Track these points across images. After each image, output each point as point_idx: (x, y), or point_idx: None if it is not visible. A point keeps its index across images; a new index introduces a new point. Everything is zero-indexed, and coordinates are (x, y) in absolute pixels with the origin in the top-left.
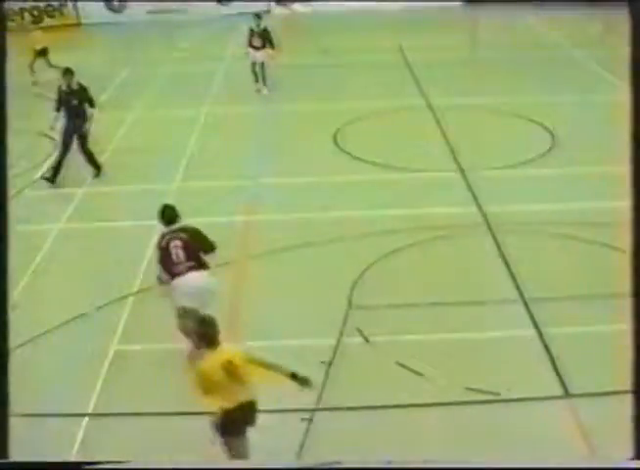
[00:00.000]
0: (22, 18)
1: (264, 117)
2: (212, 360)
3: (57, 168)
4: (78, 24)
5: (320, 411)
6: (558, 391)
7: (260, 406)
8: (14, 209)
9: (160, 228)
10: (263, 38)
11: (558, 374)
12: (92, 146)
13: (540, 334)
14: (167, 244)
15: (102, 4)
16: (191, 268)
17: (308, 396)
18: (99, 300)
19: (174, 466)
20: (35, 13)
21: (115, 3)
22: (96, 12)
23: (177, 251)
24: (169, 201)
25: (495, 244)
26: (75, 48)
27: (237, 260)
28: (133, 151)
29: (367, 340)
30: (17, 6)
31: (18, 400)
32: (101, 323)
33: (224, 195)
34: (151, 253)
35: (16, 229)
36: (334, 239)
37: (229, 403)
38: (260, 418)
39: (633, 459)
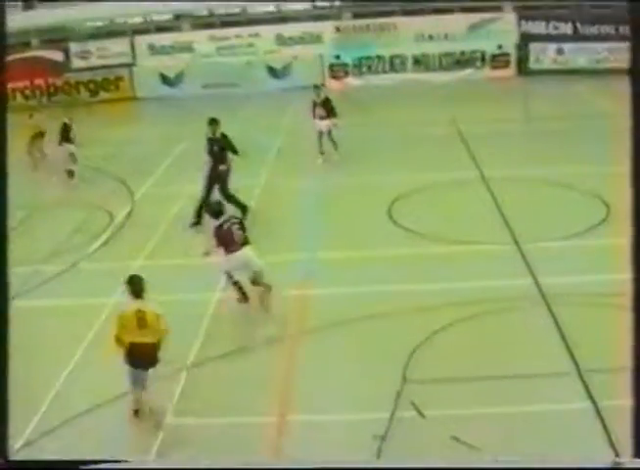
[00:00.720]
0: (79, 91)
1: (319, 191)
2: (131, 308)
3: (199, 211)
4: (134, 98)
5: None
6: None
7: None
8: (69, 281)
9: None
10: (326, 108)
11: (612, 447)
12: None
13: (596, 406)
14: (230, 228)
15: (157, 78)
16: (243, 244)
17: None
18: (152, 372)
19: (173, 466)
20: (91, 86)
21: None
22: (151, 86)
23: (238, 232)
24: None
25: (551, 316)
26: (131, 122)
27: (292, 334)
28: (184, 225)
29: (421, 414)
30: (73, 79)
31: None
32: (155, 397)
33: (279, 268)
34: (207, 325)
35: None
36: (388, 313)
37: (135, 339)
38: None
39: (633, 459)
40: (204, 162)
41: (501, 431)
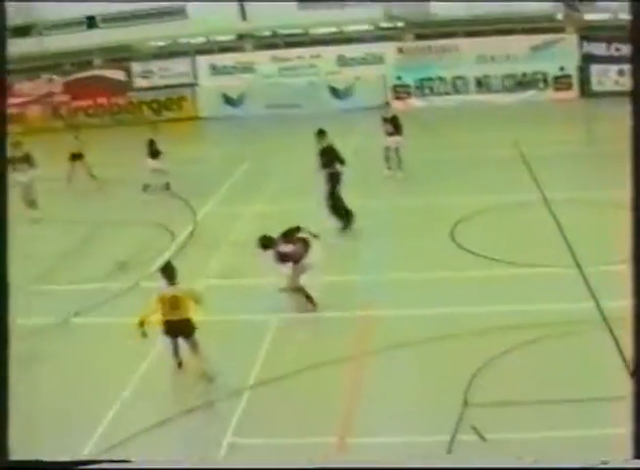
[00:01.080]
0: (142, 111)
1: (383, 211)
2: (168, 293)
3: (344, 216)
4: (197, 118)
5: None
6: None
7: None
8: (132, 299)
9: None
10: (393, 125)
11: None
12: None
13: None
14: (278, 247)
15: (220, 98)
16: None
17: None
18: (214, 392)
19: (172, 466)
20: (155, 106)
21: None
22: (214, 106)
23: (291, 248)
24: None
25: (613, 340)
26: (194, 141)
27: (355, 356)
28: (251, 245)
29: (482, 437)
30: (136, 99)
31: None
32: (215, 416)
33: (343, 290)
34: (269, 345)
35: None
36: (450, 335)
37: (169, 318)
38: None
39: (633, 459)
40: (315, 172)
41: (562, 455)
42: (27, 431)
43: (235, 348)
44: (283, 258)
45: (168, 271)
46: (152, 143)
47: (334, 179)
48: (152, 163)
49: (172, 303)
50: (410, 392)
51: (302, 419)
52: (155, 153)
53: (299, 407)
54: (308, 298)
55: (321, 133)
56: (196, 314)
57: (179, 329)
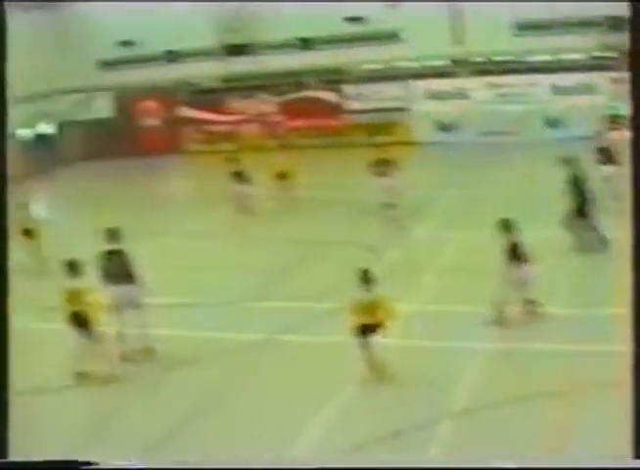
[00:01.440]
0: (356, 134)
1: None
2: (364, 299)
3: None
4: (410, 143)
5: None
6: None
7: None
8: (340, 319)
9: None
10: (606, 155)
11: None
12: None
13: None
14: (516, 236)
15: (433, 123)
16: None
17: None
18: (417, 417)
19: (171, 466)
20: (370, 129)
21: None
22: (427, 131)
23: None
24: None
25: None
26: (407, 166)
27: (564, 391)
28: (460, 270)
29: None
30: (350, 121)
31: None
32: (418, 441)
33: (554, 321)
34: (472, 375)
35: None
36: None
37: (364, 322)
38: None
39: (633, 459)
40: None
41: None
42: (223, 437)
43: (439, 375)
44: (516, 250)
45: (365, 277)
46: (379, 162)
47: (579, 203)
48: (382, 181)
49: (368, 308)
50: (616, 431)
51: (507, 449)
52: (382, 172)
53: (502, 440)
54: (530, 303)
55: (570, 161)
56: (396, 335)
57: (371, 331)
